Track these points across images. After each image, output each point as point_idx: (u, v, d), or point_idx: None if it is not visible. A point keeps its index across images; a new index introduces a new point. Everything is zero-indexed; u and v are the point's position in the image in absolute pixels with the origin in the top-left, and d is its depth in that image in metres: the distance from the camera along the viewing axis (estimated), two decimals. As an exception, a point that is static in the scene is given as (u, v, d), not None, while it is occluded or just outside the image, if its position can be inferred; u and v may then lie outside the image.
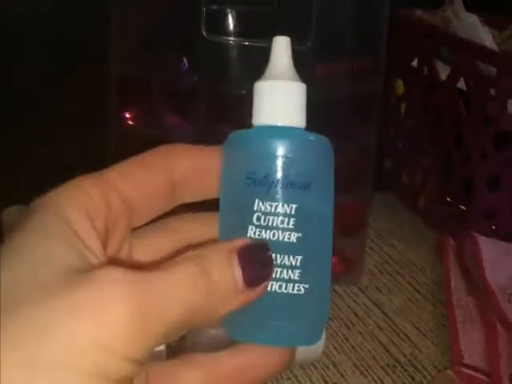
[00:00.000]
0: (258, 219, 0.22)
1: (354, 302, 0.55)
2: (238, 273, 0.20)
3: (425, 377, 0.47)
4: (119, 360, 0.17)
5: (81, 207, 0.20)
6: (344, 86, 0.48)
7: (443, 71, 0.62)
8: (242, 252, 0.21)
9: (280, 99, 0.23)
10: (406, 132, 0.71)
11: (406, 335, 0.52)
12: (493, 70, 0.57)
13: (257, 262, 0.21)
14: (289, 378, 0.46)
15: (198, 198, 0.24)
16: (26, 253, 0.18)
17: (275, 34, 0.24)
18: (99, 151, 0.47)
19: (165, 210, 0.24)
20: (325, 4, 0.44)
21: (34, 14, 0.62)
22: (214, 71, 0.45)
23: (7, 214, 0.51)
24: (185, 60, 0.46)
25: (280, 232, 0.22)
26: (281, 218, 0.22)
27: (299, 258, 0.22)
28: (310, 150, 0.23)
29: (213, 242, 0.23)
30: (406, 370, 0.48)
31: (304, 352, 0.45)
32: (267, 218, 0.22)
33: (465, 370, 0.46)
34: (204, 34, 0.43)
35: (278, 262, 0.22)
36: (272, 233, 0.22)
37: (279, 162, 0.22)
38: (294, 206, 0.22)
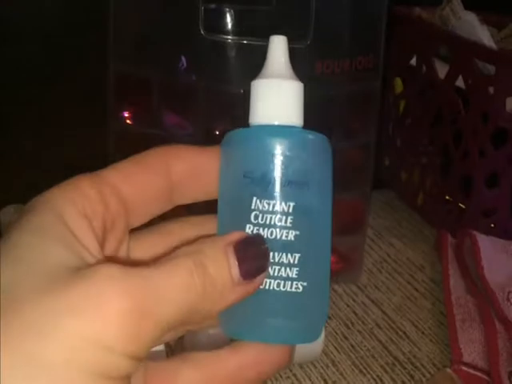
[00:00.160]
0: (256, 217, 0.22)
1: (353, 300, 0.55)
2: (234, 266, 0.20)
3: (424, 375, 0.47)
4: (117, 357, 0.17)
5: (78, 207, 0.20)
6: (342, 84, 0.48)
7: (442, 69, 0.62)
8: (237, 245, 0.21)
9: (276, 98, 0.23)
10: (405, 130, 0.71)
11: (405, 333, 0.52)
12: (491, 69, 0.57)
13: (253, 254, 0.21)
14: (288, 377, 0.46)
15: (196, 200, 0.24)
16: (22, 252, 0.18)
17: (273, 33, 0.24)
18: (98, 150, 0.47)
19: (163, 210, 0.24)
20: (323, 2, 0.44)
21: (34, 13, 0.62)
22: (213, 70, 0.45)
23: (4, 213, 0.51)
24: (183, 59, 0.46)
25: (278, 230, 0.22)
26: (278, 216, 0.22)
27: (297, 255, 0.22)
28: (307, 148, 0.23)
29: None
30: (405, 369, 0.48)
31: (303, 351, 0.45)
32: (265, 216, 0.22)
33: (464, 368, 0.46)
34: (202, 32, 0.43)
35: (276, 260, 0.22)
36: (270, 231, 0.22)
37: (276, 161, 0.22)
38: (292, 204, 0.22)
